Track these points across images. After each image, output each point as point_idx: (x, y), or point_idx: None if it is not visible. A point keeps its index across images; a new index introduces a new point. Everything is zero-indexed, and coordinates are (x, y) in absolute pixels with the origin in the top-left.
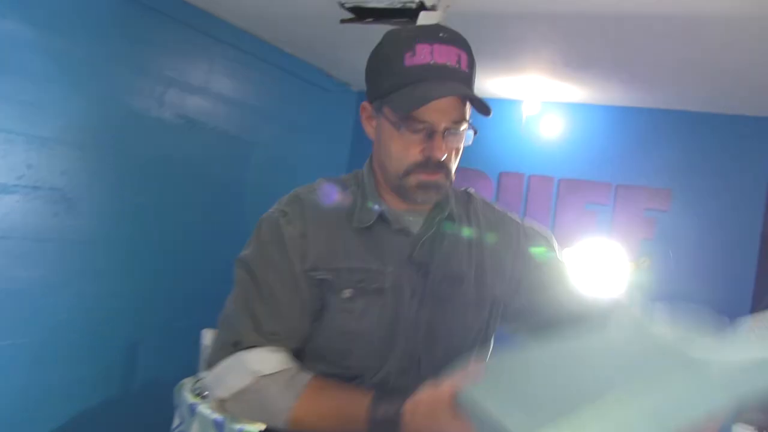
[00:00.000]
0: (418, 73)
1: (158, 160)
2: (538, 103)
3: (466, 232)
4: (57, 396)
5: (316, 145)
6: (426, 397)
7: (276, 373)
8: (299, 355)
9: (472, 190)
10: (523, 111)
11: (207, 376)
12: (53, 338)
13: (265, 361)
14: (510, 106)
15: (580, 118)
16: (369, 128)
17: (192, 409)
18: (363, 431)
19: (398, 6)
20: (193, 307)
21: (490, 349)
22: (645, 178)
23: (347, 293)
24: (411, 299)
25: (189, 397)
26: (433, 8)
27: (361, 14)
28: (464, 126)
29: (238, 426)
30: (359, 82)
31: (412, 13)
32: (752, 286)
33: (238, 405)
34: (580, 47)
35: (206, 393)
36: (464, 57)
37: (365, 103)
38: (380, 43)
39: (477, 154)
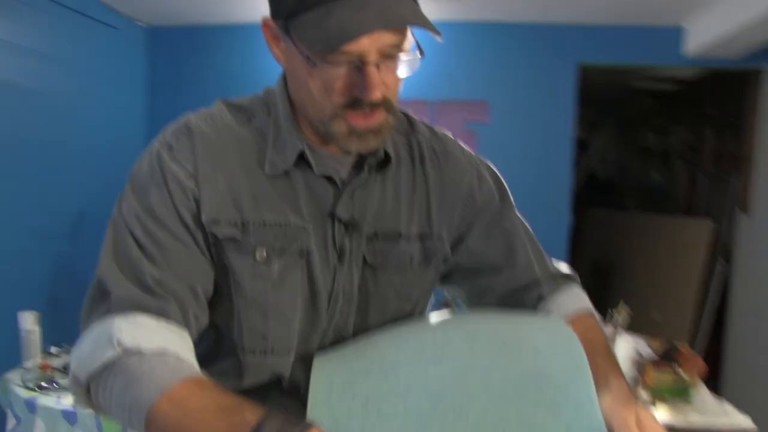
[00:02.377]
0: None
1: None
2: None
3: (407, 174)
4: None
5: (106, 92)
6: None
7: (153, 352)
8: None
9: (413, 117)
10: None
11: (71, 354)
12: None
13: (142, 333)
14: None
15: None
16: (276, 51)
17: (30, 405)
18: None
19: None
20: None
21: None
22: (462, 92)
23: (260, 255)
24: (339, 262)
25: (22, 392)
26: None
27: None
28: (399, 50)
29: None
30: (148, 15)
31: None
32: (568, 185)
33: (101, 391)
34: None
35: (46, 384)
36: None
37: (267, 20)
38: None
39: None
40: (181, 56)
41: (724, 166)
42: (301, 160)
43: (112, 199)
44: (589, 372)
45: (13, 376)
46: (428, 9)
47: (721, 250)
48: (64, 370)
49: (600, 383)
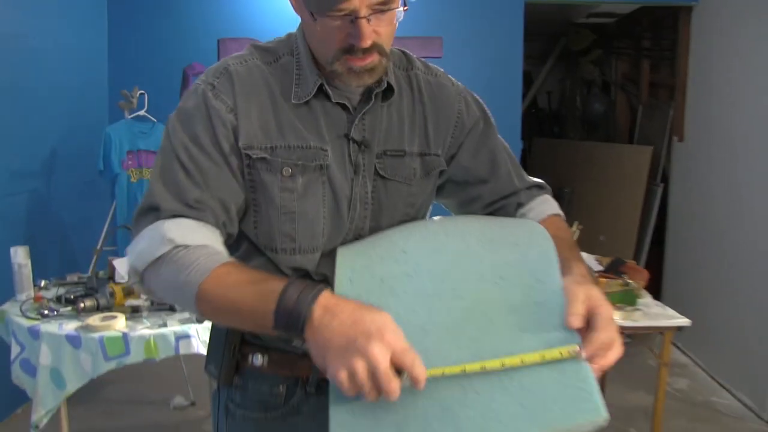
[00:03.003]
0: None
1: None
2: None
3: (408, 102)
4: None
5: (70, 35)
6: (356, 307)
7: (197, 245)
8: (238, 248)
9: (411, 54)
10: None
11: (129, 248)
12: None
13: (187, 233)
14: None
15: None
16: (293, 2)
17: (34, 333)
18: (268, 322)
19: None
20: None
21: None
22: (418, 29)
23: (287, 171)
24: (355, 175)
25: (23, 321)
26: None
27: None
28: (391, 5)
29: (98, 334)
30: None
31: None
32: (519, 116)
33: (153, 278)
34: None
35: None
36: None
37: None
38: None
39: (251, 22)
40: None
41: (660, 96)
42: (320, 91)
43: (81, 137)
44: (557, 262)
45: (10, 308)
46: None
47: (660, 174)
48: (58, 300)
49: (564, 270)
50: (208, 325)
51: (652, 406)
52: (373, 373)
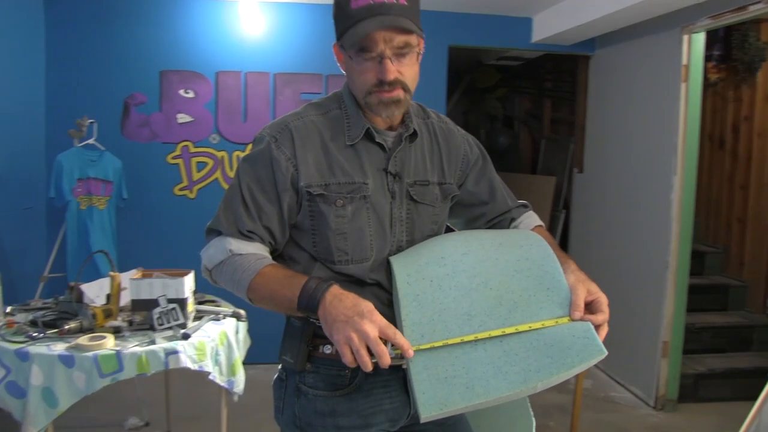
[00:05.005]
0: (360, 13)
1: None
2: (255, 2)
3: (428, 143)
4: None
5: (5, 56)
6: (364, 302)
7: (248, 253)
8: (300, 261)
9: (426, 108)
10: (240, 11)
11: (202, 251)
12: None
13: (242, 246)
14: (225, 6)
15: (288, 14)
16: (340, 64)
17: (22, 354)
18: (294, 304)
19: None
20: None
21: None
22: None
23: (340, 202)
24: (392, 200)
25: (8, 345)
26: None
27: None
28: (409, 49)
29: (91, 353)
30: None
31: None
32: None
33: (218, 274)
34: None
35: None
36: None
37: (335, 44)
38: None
39: (193, 55)
40: (80, 22)
41: (561, 131)
42: (366, 135)
43: (17, 165)
44: (556, 257)
45: None
46: None
47: (562, 201)
48: (34, 324)
49: (562, 265)
50: (194, 341)
51: (564, 403)
52: (366, 341)
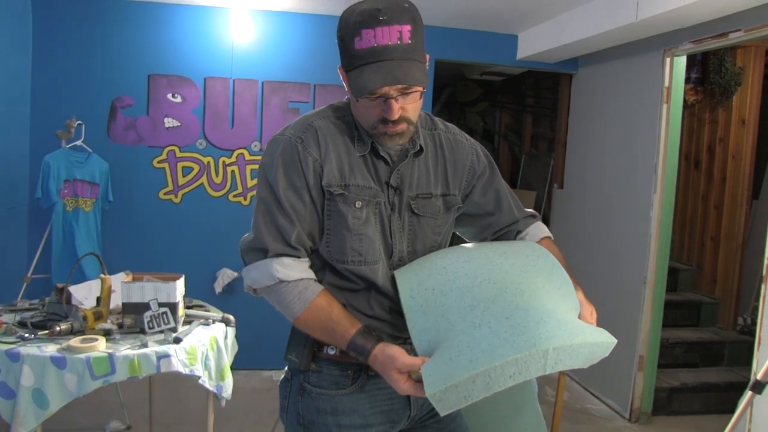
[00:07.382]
0: (364, 56)
1: None
2: (245, 11)
3: (432, 156)
4: None
5: None
6: (388, 356)
7: (294, 281)
8: (319, 257)
9: (434, 117)
10: (231, 18)
11: (244, 270)
12: None
13: (288, 270)
14: (215, 12)
15: (280, 24)
16: (345, 86)
17: (13, 355)
18: (342, 347)
19: None
20: None
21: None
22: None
23: (358, 204)
24: (392, 212)
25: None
26: None
27: None
28: (413, 89)
29: (84, 355)
30: None
31: None
32: None
33: (265, 295)
34: None
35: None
36: (406, 30)
37: (340, 67)
38: (339, 23)
39: (182, 60)
40: (68, 22)
41: (540, 147)
42: (372, 148)
43: (4, 161)
44: (563, 268)
45: None
46: (294, 2)
47: (541, 215)
48: (22, 325)
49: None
50: (185, 345)
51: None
52: (399, 391)
